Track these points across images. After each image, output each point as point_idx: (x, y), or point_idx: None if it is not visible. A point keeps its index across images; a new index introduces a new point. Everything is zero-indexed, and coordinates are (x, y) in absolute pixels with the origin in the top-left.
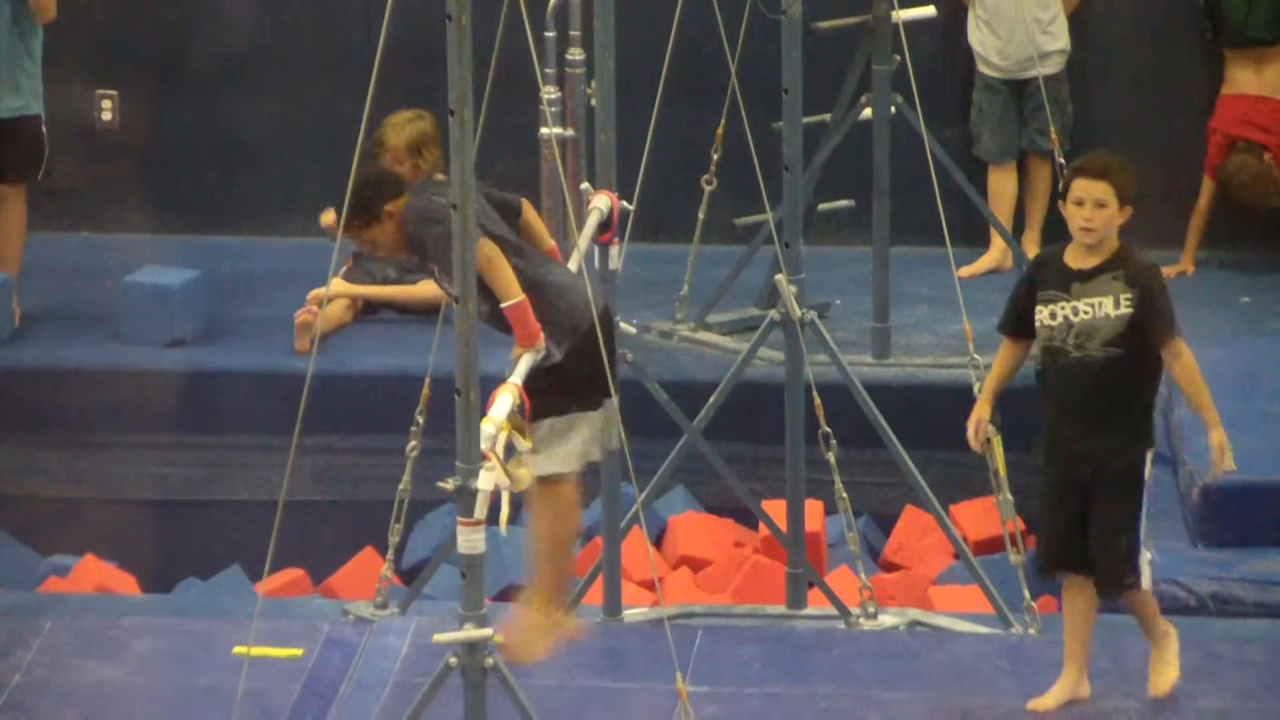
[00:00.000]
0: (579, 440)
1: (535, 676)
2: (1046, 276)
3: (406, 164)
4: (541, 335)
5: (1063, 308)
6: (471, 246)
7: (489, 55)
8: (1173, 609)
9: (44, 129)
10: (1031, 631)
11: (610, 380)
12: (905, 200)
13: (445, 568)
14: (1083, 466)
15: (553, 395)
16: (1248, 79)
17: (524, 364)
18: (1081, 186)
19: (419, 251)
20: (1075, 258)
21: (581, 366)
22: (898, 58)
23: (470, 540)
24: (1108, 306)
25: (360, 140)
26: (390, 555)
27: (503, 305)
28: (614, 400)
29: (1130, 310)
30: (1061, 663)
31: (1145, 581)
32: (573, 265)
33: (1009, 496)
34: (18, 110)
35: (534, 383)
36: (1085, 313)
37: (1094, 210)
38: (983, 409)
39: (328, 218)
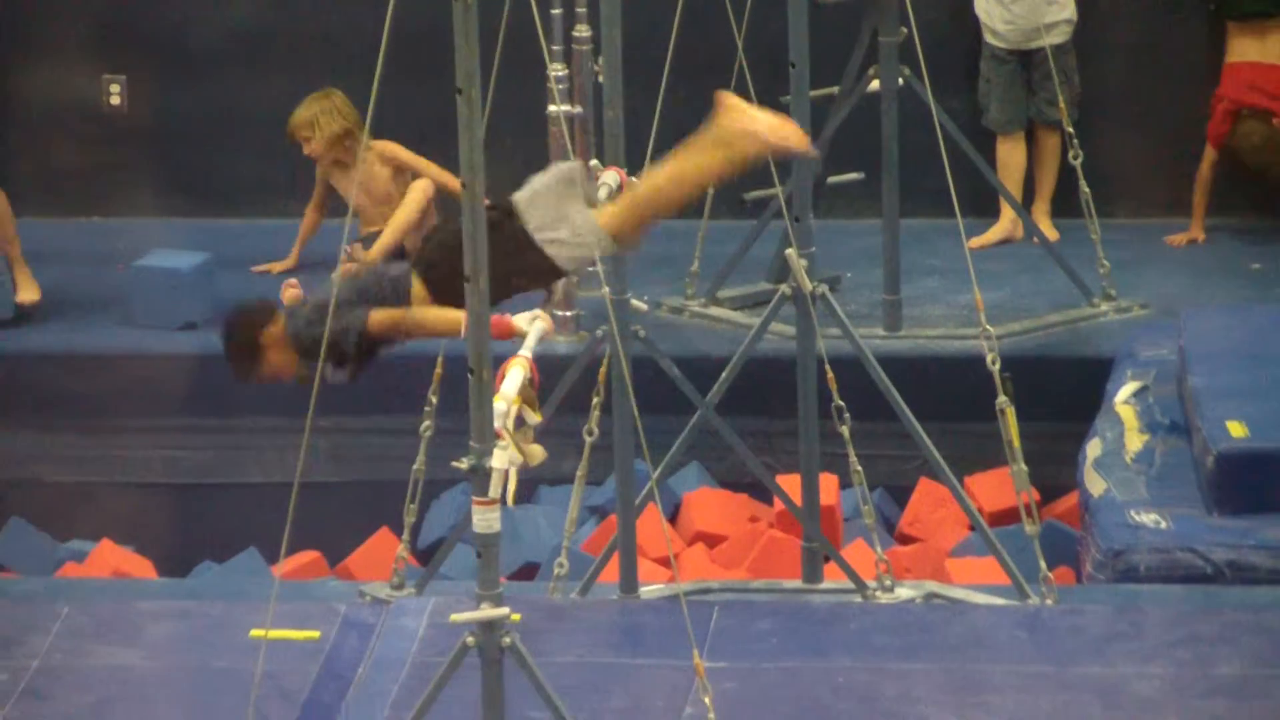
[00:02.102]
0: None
1: (553, 654)
2: None
3: (313, 138)
4: (514, 325)
5: None
6: (481, 222)
7: (496, 32)
8: (1189, 577)
9: None
10: (1048, 602)
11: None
12: (914, 172)
13: (461, 547)
14: None
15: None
16: (1251, 47)
17: (533, 337)
18: None
19: (315, 354)
20: None
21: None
22: (905, 29)
23: (485, 519)
24: None
25: (368, 119)
26: (406, 535)
27: (463, 337)
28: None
29: None
30: (1079, 632)
31: None
32: None
33: (1024, 467)
34: None
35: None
36: None
37: None
38: None
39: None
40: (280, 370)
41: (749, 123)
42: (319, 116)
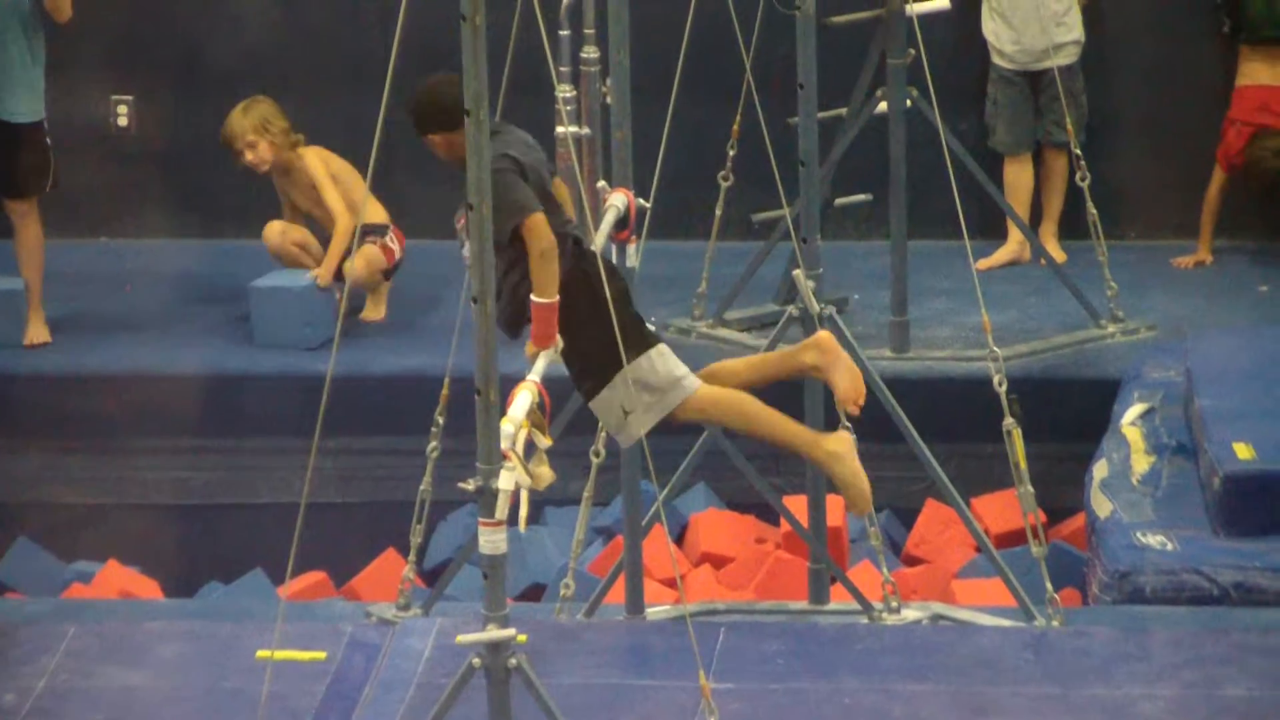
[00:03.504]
0: (662, 374)
1: (559, 676)
2: None
3: (261, 142)
4: (557, 339)
5: None
6: (489, 248)
7: (504, 54)
8: (1195, 599)
9: (48, 138)
10: (1055, 624)
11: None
12: (922, 193)
13: (467, 568)
14: None
15: (607, 355)
16: (1263, 71)
17: (542, 361)
18: None
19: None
20: None
21: (620, 315)
22: (912, 51)
23: (492, 541)
24: None
25: (376, 141)
26: (412, 556)
27: (535, 299)
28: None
29: None
30: (1085, 654)
31: None
32: None
33: (1030, 489)
34: (31, 115)
35: (582, 352)
36: None
37: None
38: None
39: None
40: (442, 153)
41: (842, 467)
42: (267, 118)
